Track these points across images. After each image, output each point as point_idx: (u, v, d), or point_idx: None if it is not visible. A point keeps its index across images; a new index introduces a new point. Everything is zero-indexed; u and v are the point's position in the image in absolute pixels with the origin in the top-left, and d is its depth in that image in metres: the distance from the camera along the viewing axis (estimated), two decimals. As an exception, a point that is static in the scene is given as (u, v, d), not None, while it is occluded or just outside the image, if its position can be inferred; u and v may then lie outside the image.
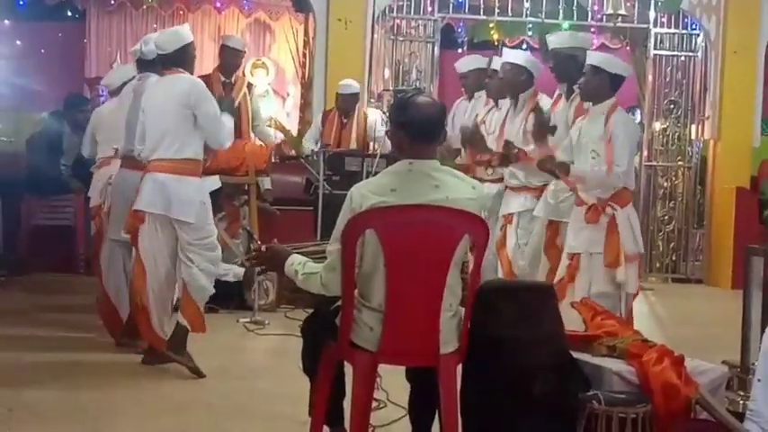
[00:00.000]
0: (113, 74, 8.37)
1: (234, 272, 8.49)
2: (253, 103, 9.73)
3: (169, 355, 6.35)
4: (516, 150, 7.19)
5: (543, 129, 7.02)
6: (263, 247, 4.55)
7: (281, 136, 14.06)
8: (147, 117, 6.47)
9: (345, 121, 10.25)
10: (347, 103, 10.26)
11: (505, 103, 7.94)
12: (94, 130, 8.11)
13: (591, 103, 6.61)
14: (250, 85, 9.96)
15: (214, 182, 8.43)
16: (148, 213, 6.35)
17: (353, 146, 10.06)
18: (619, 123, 6.40)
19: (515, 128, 7.60)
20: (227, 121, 6.62)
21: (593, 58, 6.62)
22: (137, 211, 6.39)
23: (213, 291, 6.64)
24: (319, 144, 10.17)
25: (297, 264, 4.36)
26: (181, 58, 6.46)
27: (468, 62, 9.37)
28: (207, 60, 13.00)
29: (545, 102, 7.59)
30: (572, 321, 5.34)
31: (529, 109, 7.56)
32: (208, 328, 6.65)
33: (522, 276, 7.37)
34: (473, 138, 7.73)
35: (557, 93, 7.40)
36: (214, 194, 8.36)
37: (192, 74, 6.63)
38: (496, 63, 8.29)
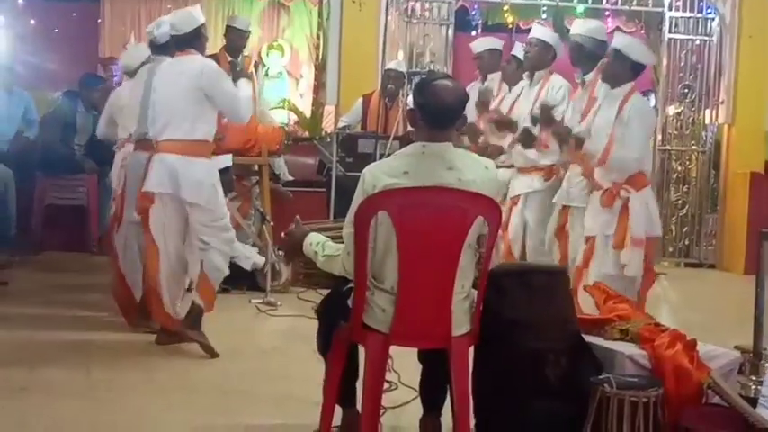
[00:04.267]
0: (130, 54, 8.33)
1: (253, 261, 8.46)
2: (259, 85, 9.68)
3: (184, 332, 6.39)
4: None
5: (548, 116, 7.10)
6: (282, 235, 4.59)
7: (294, 118, 14.12)
8: (157, 97, 6.46)
9: (390, 104, 10.00)
10: (397, 82, 10.02)
11: (518, 86, 8.01)
12: (113, 111, 8.06)
13: (607, 88, 6.62)
14: (257, 65, 9.92)
15: (225, 160, 8.44)
16: (157, 194, 6.35)
17: (400, 132, 9.71)
18: (634, 109, 6.39)
19: (529, 103, 7.68)
20: (243, 89, 6.69)
21: (617, 41, 6.59)
22: (145, 192, 6.40)
23: (228, 272, 6.67)
24: (358, 128, 10.05)
25: (316, 244, 4.37)
26: (195, 39, 6.47)
27: (483, 43, 9.40)
28: (221, 42, 13.01)
29: (557, 81, 7.69)
30: (586, 305, 5.37)
31: (541, 86, 7.64)
32: (220, 309, 6.68)
33: (525, 257, 7.48)
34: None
35: (577, 79, 7.40)
36: (223, 173, 8.40)
37: (203, 55, 6.64)
38: (517, 49, 8.33)
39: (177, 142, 6.31)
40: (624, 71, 6.47)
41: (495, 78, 8.84)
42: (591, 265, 6.44)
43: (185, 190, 6.31)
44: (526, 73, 7.95)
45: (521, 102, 7.88)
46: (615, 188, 6.37)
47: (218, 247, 6.46)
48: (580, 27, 7.28)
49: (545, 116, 7.09)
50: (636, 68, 6.51)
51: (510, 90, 8.26)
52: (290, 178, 10.01)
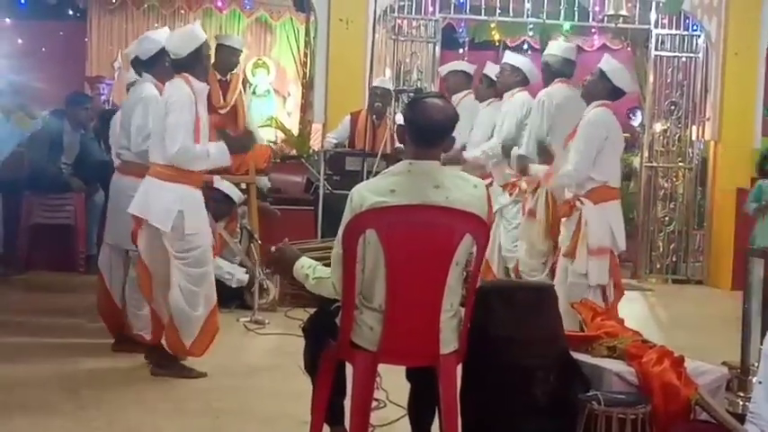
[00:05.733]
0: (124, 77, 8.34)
1: (237, 278, 8.45)
2: (246, 102, 9.66)
3: (160, 373, 6.22)
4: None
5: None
6: (272, 249, 4.56)
7: (281, 136, 14.12)
8: (152, 121, 6.33)
9: (378, 122, 9.94)
10: (384, 100, 10.04)
11: (485, 102, 8.58)
12: None
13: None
14: (245, 83, 9.91)
15: (234, 191, 8.52)
16: (141, 217, 6.18)
17: (388, 149, 9.60)
18: (585, 122, 6.63)
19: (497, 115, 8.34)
20: (215, 151, 6.24)
21: (605, 63, 6.75)
22: (131, 213, 6.23)
23: (197, 315, 6.13)
24: (346, 146, 10.06)
25: (306, 267, 4.34)
26: (194, 62, 6.10)
27: (448, 65, 9.95)
28: (208, 59, 13.06)
29: (519, 98, 8.14)
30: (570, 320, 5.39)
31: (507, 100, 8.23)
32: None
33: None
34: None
35: None
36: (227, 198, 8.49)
37: (206, 74, 6.34)
38: (489, 69, 8.61)
39: (160, 166, 6.11)
40: (603, 92, 6.67)
41: (454, 100, 8.98)
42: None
43: (153, 215, 6.05)
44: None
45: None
46: (573, 199, 6.59)
47: (182, 285, 6.07)
48: (553, 48, 7.80)
49: (518, 163, 7.68)
50: (616, 92, 6.71)
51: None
52: (268, 185, 9.94)
